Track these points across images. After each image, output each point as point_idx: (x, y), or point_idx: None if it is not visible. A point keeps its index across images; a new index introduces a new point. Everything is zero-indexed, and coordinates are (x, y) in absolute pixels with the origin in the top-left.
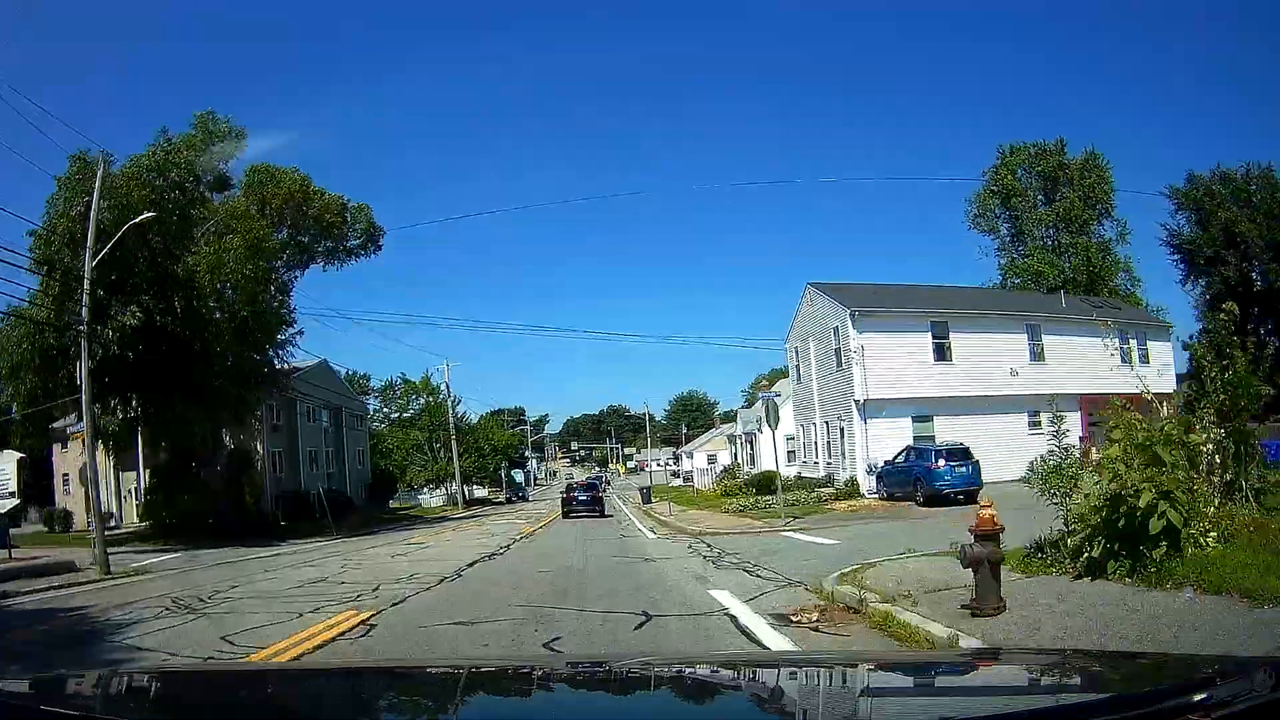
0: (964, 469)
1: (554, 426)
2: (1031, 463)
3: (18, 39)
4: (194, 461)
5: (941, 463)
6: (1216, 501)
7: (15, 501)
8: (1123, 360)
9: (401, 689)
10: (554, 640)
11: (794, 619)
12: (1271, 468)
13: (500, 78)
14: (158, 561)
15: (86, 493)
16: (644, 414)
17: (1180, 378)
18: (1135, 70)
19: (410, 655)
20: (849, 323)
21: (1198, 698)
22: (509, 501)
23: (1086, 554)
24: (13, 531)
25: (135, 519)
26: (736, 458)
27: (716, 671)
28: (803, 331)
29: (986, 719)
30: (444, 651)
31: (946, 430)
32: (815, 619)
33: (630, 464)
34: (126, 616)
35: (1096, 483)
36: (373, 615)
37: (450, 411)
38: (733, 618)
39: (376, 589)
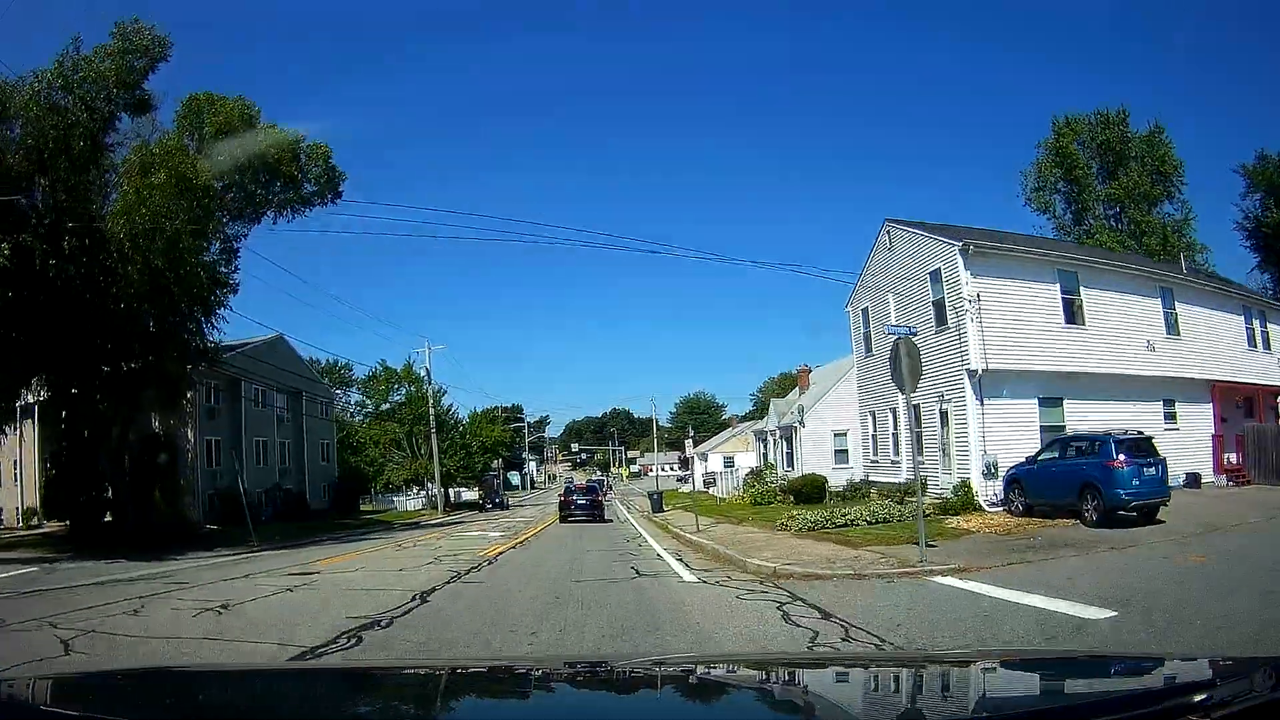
0: (1153, 470)
1: (555, 430)
2: None
3: None
4: (100, 450)
5: (1124, 460)
6: None
7: None
8: (1249, 344)
9: (401, 689)
10: None
11: None
12: None
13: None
14: None
15: None
16: (649, 417)
17: None
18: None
19: None
20: (959, 262)
21: (1198, 698)
22: (482, 509)
23: None
24: None
25: (39, 519)
26: (767, 458)
27: (734, 670)
28: (875, 286)
29: (986, 719)
30: None
31: (1075, 420)
32: None
33: (634, 467)
34: None
35: None
36: None
37: (431, 401)
38: None
39: None
